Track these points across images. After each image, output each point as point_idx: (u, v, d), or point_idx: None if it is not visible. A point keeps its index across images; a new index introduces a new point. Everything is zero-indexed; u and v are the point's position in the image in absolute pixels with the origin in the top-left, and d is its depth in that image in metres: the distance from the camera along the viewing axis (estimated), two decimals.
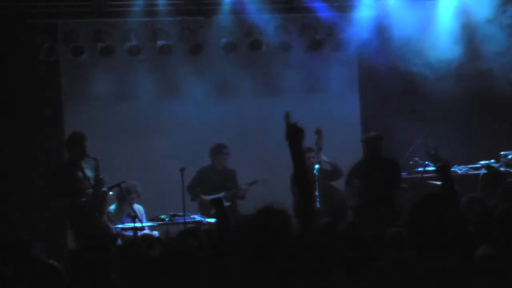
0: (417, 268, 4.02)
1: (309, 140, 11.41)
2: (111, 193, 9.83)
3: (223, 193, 11.45)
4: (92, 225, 9.26)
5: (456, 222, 4.30)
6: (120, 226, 10.33)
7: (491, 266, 4.77)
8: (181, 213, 10.35)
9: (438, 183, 11.02)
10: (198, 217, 10.63)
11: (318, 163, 11.05)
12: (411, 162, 11.58)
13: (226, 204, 11.37)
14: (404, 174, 11.48)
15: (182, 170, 10.21)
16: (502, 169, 11.36)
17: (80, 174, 9.58)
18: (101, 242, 5.90)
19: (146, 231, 10.25)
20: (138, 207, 10.92)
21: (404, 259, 4.21)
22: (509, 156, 11.45)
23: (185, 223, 10.13)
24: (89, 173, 9.68)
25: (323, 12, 12.17)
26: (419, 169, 11.45)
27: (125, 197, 10.28)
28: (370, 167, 10.29)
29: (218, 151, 11.59)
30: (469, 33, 12.06)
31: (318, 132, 11.01)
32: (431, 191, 10.29)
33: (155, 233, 10.54)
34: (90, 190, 9.57)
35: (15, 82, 11.78)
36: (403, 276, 4.11)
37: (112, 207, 10.71)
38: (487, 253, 4.94)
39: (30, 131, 11.84)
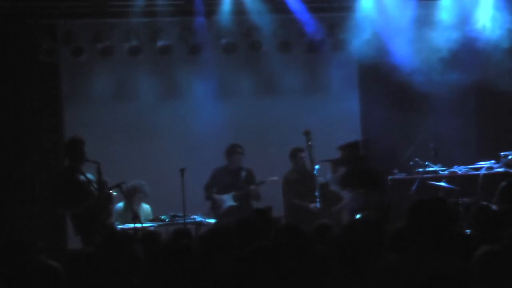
0: (417, 269, 4.02)
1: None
2: (115, 193, 9.80)
3: (232, 193, 11.46)
4: (100, 228, 9.20)
5: (454, 224, 4.31)
6: (120, 226, 10.31)
7: (491, 266, 4.78)
8: (181, 214, 10.34)
9: (439, 183, 11.03)
10: (198, 218, 10.63)
11: (314, 163, 11.01)
12: (411, 163, 11.55)
13: (234, 204, 11.39)
14: (404, 174, 11.48)
15: (182, 170, 10.21)
16: (502, 169, 11.34)
17: (83, 178, 9.54)
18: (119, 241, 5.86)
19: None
20: (145, 207, 10.92)
21: (404, 259, 4.21)
22: (509, 157, 11.42)
23: (185, 223, 10.13)
24: (91, 176, 9.64)
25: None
26: (419, 169, 11.43)
27: (130, 197, 10.28)
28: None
29: (232, 151, 11.61)
30: (469, 33, 12.06)
31: (307, 133, 10.94)
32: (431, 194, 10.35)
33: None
34: (95, 193, 9.53)
35: (15, 83, 11.77)
36: (403, 277, 4.10)
37: (119, 205, 10.67)
38: (487, 253, 4.94)
39: (30, 131, 11.83)
